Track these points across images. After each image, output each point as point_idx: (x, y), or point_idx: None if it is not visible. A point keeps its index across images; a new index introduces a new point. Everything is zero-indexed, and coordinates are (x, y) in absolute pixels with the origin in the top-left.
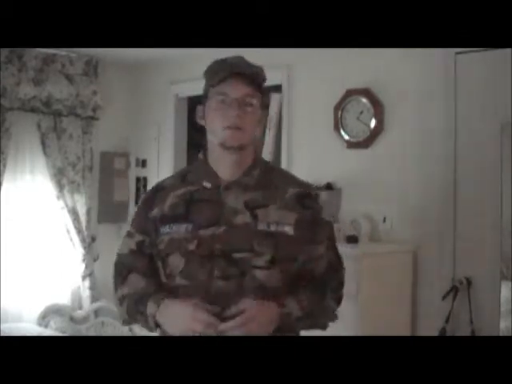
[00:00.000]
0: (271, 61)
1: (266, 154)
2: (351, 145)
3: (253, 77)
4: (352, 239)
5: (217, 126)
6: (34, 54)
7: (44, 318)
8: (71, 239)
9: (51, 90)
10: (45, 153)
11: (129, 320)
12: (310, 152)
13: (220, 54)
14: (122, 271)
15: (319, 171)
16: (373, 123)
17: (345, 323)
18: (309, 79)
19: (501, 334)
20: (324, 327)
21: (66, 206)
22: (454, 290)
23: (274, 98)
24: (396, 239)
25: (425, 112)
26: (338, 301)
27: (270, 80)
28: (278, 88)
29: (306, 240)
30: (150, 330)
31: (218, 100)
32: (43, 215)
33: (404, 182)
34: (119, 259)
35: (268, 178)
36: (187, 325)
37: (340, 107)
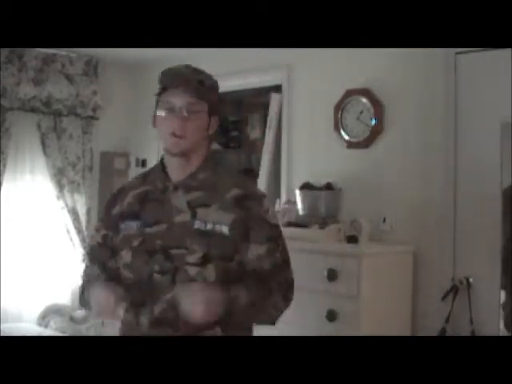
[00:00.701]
0: (271, 61)
1: (266, 153)
2: (351, 145)
3: (196, 85)
4: (352, 239)
5: (162, 133)
6: (34, 54)
7: (44, 318)
8: (71, 239)
9: (51, 90)
10: (45, 153)
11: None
12: (310, 152)
13: (220, 53)
14: (90, 264)
15: (319, 171)
16: (373, 123)
17: (345, 323)
18: (309, 79)
19: (501, 334)
20: (273, 322)
21: (66, 205)
22: (453, 290)
23: (274, 98)
24: (396, 239)
25: (425, 112)
26: (286, 300)
27: (270, 80)
28: (278, 88)
29: (243, 240)
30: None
31: (163, 108)
32: (43, 215)
33: (404, 181)
34: (90, 251)
35: (213, 180)
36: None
37: (340, 107)
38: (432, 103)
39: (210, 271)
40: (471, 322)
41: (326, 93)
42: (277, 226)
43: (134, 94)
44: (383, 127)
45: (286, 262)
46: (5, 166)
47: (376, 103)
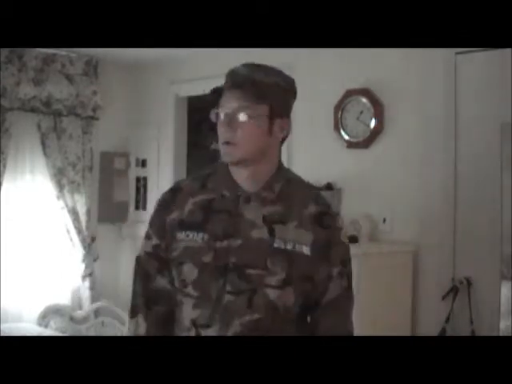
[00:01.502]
0: (271, 61)
1: None
2: (351, 145)
3: (249, 86)
4: (352, 239)
5: (219, 141)
6: (34, 54)
7: (44, 318)
8: (71, 239)
9: (51, 89)
10: (45, 153)
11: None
12: (310, 152)
13: (220, 53)
14: (137, 279)
15: (319, 171)
16: (373, 123)
17: None
18: (309, 79)
19: (501, 334)
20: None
21: (66, 205)
22: (454, 290)
23: None
24: (396, 239)
25: (425, 112)
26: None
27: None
28: None
29: (322, 261)
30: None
31: (216, 113)
32: (43, 215)
33: (404, 182)
34: (137, 263)
35: (289, 192)
36: None
37: (340, 107)
38: (432, 103)
39: (289, 294)
40: (471, 322)
41: (326, 93)
42: (347, 246)
43: (134, 94)
44: (383, 127)
45: (351, 288)
46: (5, 166)
47: (376, 103)
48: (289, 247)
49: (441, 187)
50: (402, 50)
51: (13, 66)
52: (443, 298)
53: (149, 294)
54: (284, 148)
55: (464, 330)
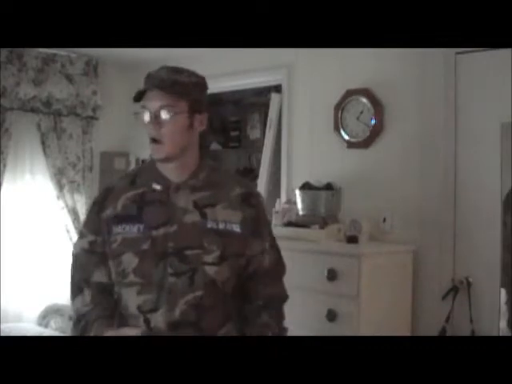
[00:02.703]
0: (271, 61)
1: (266, 153)
2: (351, 145)
3: (169, 86)
4: (352, 239)
5: (148, 139)
6: (34, 54)
7: (44, 318)
8: (71, 239)
9: (51, 89)
10: (45, 153)
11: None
12: (310, 152)
13: (220, 53)
14: (76, 273)
15: (319, 171)
16: (373, 123)
17: (345, 323)
18: (309, 79)
19: (501, 334)
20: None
21: (66, 205)
22: (454, 290)
23: (274, 98)
24: (396, 239)
25: (425, 112)
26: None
27: (270, 80)
28: (278, 88)
29: (252, 237)
30: None
31: (141, 114)
32: (43, 215)
33: (404, 181)
34: (74, 259)
35: (214, 179)
36: None
37: (340, 107)
38: (432, 103)
39: (225, 269)
40: (471, 322)
41: (326, 93)
42: (270, 223)
43: (134, 94)
44: (383, 127)
45: (281, 256)
46: (5, 166)
47: (376, 103)
48: (221, 226)
49: (441, 187)
50: (402, 50)
51: (13, 66)
52: (443, 298)
53: (88, 285)
54: (284, 148)
55: (464, 330)
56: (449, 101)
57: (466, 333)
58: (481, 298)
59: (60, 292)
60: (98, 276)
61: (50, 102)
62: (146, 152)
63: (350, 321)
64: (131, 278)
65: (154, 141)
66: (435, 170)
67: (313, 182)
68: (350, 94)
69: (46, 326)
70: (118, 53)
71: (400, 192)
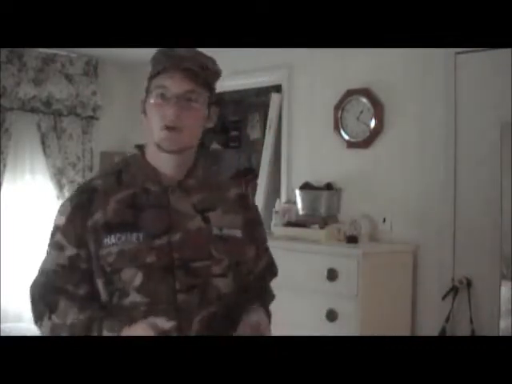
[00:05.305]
0: (271, 61)
1: (266, 153)
2: (351, 145)
3: (199, 71)
4: (352, 239)
5: (154, 125)
6: (34, 54)
7: None
8: None
9: (51, 89)
10: (45, 153)
11: None
12: (310, 152)
13: (220, 53)
14: (50, 294)
15: (319, 171)
16: (373, 123)
17: (345, 323)
18: (309, 79)
19: (501, 334)
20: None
21: None
22: (454, 290)
23: (274, 98)
24: (396, 239)
25: (425, 112)
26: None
27: (270, 80)
28: (278, 88)
29: (251, 241)
30: None
31: (157, 94)
32: (43, 215)
33: (404, 182)
34: (44, 278)
35: (209, 178)
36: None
37: (340, 107)
38: (432, 103)
39: (232, 279)
40: (471, 322)
41: (326, 93)
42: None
43: (134, 93)
44: (383, 127)
45: (274, 261)
46: (5, 166)
47: (376, 103)
48: (225, 232)
49: (441, 187)
50: (402, 50)
51: (13, 65)
52: (443, 297)
53: (68, 298)
54: (284, 148)
55: (464, 330)
56: (449, 101)
57: (466, 333)
58: (481, 298)
59: None
60: (80, 294)
61: (50, 102)
62: None
63: (350, 321)
64: (133, 297)
65: (169, 128)
66: (435, 170)
67: (313, 182)
68: (349, 93)
69: None
70: (117, 53)
71: (400, 192)
